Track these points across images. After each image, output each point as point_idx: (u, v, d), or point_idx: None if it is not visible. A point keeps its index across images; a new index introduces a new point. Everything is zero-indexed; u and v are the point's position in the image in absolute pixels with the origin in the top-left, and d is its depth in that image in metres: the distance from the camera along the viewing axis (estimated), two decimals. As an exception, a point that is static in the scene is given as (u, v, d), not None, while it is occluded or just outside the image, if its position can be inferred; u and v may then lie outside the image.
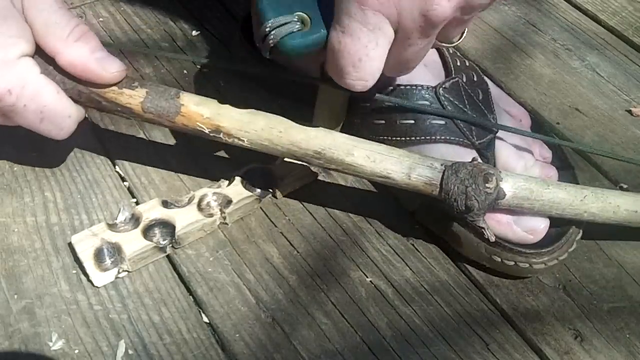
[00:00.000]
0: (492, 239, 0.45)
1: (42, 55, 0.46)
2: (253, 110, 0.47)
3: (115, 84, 0.46)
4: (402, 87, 0.50)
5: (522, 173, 0.49)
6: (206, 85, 0.62)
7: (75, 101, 0.47)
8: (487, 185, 0.44)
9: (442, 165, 0.45)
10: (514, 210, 0.47)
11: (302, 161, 0.47)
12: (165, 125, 0.47)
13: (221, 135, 0.46)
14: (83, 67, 0.45)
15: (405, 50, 0.41)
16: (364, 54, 0.40)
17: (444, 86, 0.50)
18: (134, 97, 0.46)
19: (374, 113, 0.51)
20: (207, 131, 0.46)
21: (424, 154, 0.47)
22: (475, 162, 0.45)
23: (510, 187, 0.45)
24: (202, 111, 0.46)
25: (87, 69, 0.45)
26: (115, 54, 0.47)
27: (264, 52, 0.41)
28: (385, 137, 0.51)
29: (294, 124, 0.46)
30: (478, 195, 0.44)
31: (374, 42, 0.40)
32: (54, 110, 0.46)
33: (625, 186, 0.56)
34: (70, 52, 0.45)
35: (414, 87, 0.49)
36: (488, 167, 0.45)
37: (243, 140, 0.46)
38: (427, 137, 0.49)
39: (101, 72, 0.45)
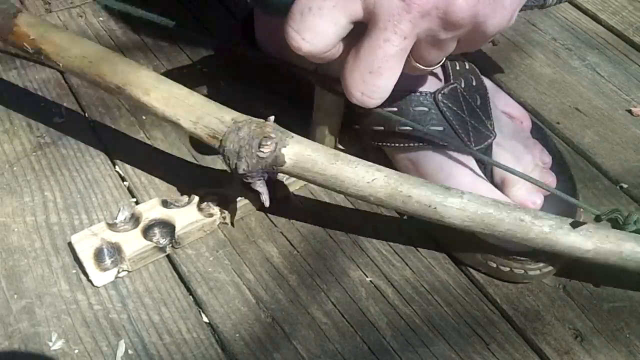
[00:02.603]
0: (267, 204, 0.47)
1: None
2: (79, 37, 0.50)
3: None
4: (400, 94, 0.49)
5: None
6: (207, 85, 0.62)
7: None
8: (261, 149, 0.43)
9: (232, 120, 0.45)
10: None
11: (107, 92, 0.49)
12: (2, 41, 0.52)
13: (42, 57, 0.50)
14: None
15: (380, 47, 0.39)
16: (315, 3, 0.38)
17: (442, 92, 0.49)
18: None
19: (373, 119, 0.51)
20: (31, 51, 0.50)
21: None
22: (267, 122, 0.45)
23: (292, 155, 0.44)
24: (30, 32, 0.50)
25: None
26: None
27: None
28: (384, 143, 0.51)
29: (111, 56, 0.49)
30: (249, 158, 0.43)
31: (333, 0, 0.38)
32: None
33: (625, 186, 0.56)
34: None
35: (412, 94, 0.49)
36: (273, 130, 0.44)
37: (59, 65, 0.49)
38: (425, 144, 0.49)
39: None
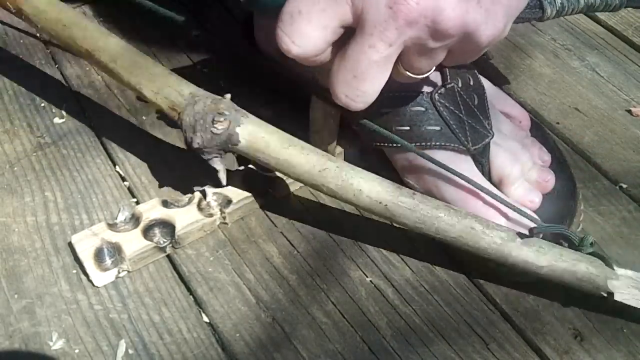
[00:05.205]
0: (224, 183, 0.47)
1: None
2: (59, 2, 0.52)
3: None
4: (397, 94, 0.49)
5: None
6: (207, 85, 0.62)
7: None
8: (215, 125, 0.44)
9: (190, 94, 0.46)
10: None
11: (80, 57, 0.52)
12: None
13: (22, 17, 0.53)
14: None
15: (364, 52, 0.39)
16: (304, 7, 0.38)
17: (439, 92, 0.49)
18: None
19: (370, 120, 0.51)
20: (12, 10, 0.53)
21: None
22: (222, 97, 0.45)
23: (246, 135, 0.45)
24: None
25: None
26: None
27: None
28: (382, 144, 0.51)
29: (84, 22, 0.51)
30: (203, 132, 0.44)
31: (322, 3, 0.38)
32: None
33: (625, 186, 0.56)
34: None
35: (409, 94, 0.49)
36: (227, 108, 0.45)
37: (38, 26, 0.52)
38: (423, 144, 0.49)
39: None
